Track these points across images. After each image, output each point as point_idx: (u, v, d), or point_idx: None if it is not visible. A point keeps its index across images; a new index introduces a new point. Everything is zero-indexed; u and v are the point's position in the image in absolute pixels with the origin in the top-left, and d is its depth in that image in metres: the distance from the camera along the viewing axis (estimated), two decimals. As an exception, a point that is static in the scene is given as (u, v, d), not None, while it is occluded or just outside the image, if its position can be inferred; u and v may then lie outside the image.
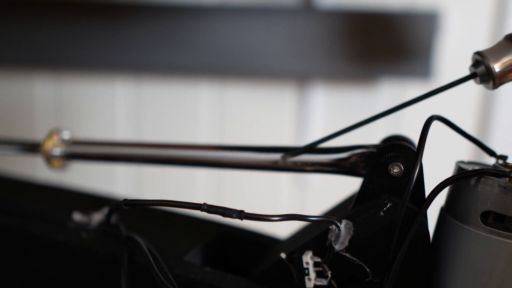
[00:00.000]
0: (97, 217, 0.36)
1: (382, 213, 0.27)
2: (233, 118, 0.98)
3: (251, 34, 0.91)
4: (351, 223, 0.28)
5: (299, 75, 0.93)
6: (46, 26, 0.96)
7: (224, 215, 0.26)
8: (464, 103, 0.91)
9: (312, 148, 0.31)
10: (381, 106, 0.93)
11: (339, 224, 0.28)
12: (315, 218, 0.27)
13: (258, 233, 0.39)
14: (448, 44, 0.88)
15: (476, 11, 0.87)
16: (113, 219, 0.35)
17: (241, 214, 0.26)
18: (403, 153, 0.27)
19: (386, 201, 0.27)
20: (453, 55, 0.89)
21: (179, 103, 1.00)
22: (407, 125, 0.93)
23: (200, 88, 0.98)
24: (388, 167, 0.27)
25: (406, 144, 0.28)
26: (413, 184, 0.26)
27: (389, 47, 0.87)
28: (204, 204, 0.26)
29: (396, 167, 0.27)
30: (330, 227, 0.28)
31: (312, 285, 0.28)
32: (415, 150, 0.28)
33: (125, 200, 0.28)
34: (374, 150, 0.29)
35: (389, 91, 0.93)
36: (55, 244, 0.33)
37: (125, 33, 0.94)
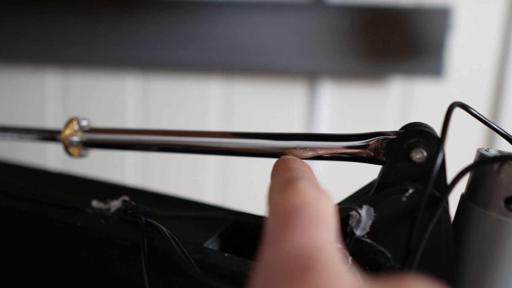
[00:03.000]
0: (116, 204, 0.36)
1: (404, 199, 0.27)
2: (241, 115, 0.98)
3: (260, 30, 0.91)
4: (372, 209, 0.28)
5: (309, 72, 0.93)
6: (55, 22, 0.96)
7: None
8: (475, 97, 0.90)
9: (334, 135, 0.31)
10: (391, 104, 0.93)
11: (359, 210, 0.28)
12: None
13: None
14: (460, 41, 0.88)
15: (488, 7, 0.87)
16: (132, 206, 0.35)
17: (258, 220, 0.26)
18: (426, 138, 0.27)
19: (408, 187, 0.27)
20: (465, 52, 0.89)
21: (188, 100, 1.00)
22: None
23: (208, 84, 0.99)
24: (411, 153, 0.27)
25: (428, 130, 0.28)
26: (437, 169, 0.26)
27: (400, 43, 0.87)
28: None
29: (419, 153, 0.27)
30: (350, 213, 0.28)
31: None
32: (437, 136, 0.28)
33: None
34: (395, 136, 0.29)
35: (399, 89, 0.92)
36: (75, 230, 0.34)
37: (133, 28, 0.94)
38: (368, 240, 0.28)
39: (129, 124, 1.01)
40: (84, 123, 0.38)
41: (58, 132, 0.38)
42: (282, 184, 0.24)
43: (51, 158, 1.06)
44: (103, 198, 0.37)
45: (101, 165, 1.03)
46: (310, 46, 0.90)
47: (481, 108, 0.90)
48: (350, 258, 0.28)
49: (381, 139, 0.30)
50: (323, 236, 0.20)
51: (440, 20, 0.83)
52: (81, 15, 0.94)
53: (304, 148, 0.32)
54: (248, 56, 0.91)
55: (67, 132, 0.37)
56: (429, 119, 0.87)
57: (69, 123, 0.37)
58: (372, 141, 0.30)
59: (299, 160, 0.30)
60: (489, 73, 0.89)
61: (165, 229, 0.31)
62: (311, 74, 0.94)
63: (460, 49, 0.87)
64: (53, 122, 1.04)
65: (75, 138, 0.37)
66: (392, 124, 0.93)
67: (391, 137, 0.30)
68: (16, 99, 1.05)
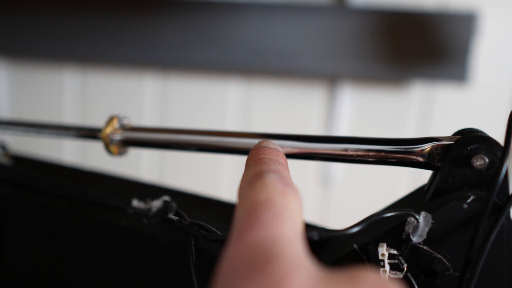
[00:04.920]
0: (156, 204, 0.36)
1: (465, 206, 0.26)
2: (259, 117, 0.98)
3: (280, 31, 0.90)
4: (430, 215, 0.27)
5: (329, 75, 0.92)
6: (75, 20, 0.96)
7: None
8: (500, 104, 0.89)
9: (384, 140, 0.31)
10: (412, 109, 0.92)
11: (417, 216, 0.27)
12: (393, 213, 0.27)
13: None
14: (485, 46, 0.87)
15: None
16: (173, 206, 0.35)
17: (322, 234, 0.26)
18: (487, 145, 0.27)
19: (468, 194, 0.26)
20: (490, 58, 0.88)
21: (206, 101, 1.00)
22: (435, 130, 0.92)
23: (227, 85, 0.98)
24: (472, 159, 0.27)
25: (488, 136, 0.27)
26: (502, 177, 0.25)
27: (423, 48, 0.86)
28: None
29: (480, 159, 0.27)
30: (408, 219, 0.27)
31: (386, 277, 0.28)
32: (499, 142, 0.27)
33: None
34: (452, 142, 0.29)
35: (421, 94, 0.92)
36: (117, 230, 0.33)
37: (153, 28, 0.94)
38: (425, 247, 0.27)
39: (146, 123, 1.01)
40: (125, 121, 0.38)
41: (98, 130, 0.38)
42: (251, 178, 0.24)
43: (66, 153, 1.06)
44: (140, 197, 0.37)
45: (116, 160, 1.02)
46: (331, 49, 0.89)
47: (506, 116, 0.89)
48: (405, 265, 0.28)
49: (436, 145, 0.30)
50: (286, 230, 0.20)
51: (465, 25, 0.83)
52: (101, 14, 0.94)
53: (356, 151, 0.31)
54: (267, 58, 0.91)
55: (108, 130, 0.37)
56: (451, 124, 0.87)
57: (110, 121, 0.37)
58: (426, 146, 0.30)
59: (273, 149, 0.29)
60: (512, 79, 0.88)
61: (214, 229, 0.30)
62: (331, 77, 0.93)
63: (485, 54, 0.87)
64: (71, 119, 1.04)
65: (116, 137, 0.37)
66: (413, 129, 0.92)
67: (447, 142, 0.29)
68: (34, 96, 1.05)
